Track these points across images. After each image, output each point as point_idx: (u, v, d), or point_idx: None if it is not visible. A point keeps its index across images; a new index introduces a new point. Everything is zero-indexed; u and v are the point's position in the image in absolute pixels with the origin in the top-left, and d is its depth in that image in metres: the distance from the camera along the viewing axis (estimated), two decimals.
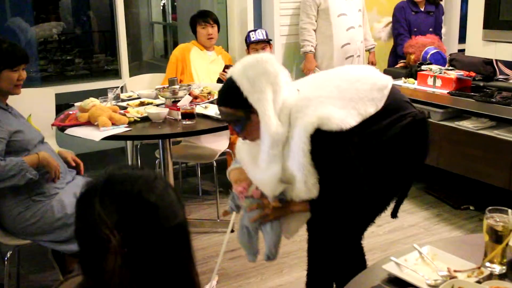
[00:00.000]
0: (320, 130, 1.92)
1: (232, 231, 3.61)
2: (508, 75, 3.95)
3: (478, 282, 1.50)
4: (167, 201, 0.98)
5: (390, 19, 4.98)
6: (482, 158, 3.55)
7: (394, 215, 2.30)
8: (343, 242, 2.31)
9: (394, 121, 2.07)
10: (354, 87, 2.05)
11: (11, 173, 2.51)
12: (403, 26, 4.77)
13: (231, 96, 1.99)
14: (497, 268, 1.58)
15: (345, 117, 1.96)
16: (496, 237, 1.58)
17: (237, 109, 2.00)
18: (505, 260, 1.59)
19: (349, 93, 2.03)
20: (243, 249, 2.21)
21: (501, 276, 1.56)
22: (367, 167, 2.02)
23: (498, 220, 1.59)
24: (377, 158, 2.06)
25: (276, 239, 2.13)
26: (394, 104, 2.10)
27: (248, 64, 1.97)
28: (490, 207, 1.62)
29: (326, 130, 1.92)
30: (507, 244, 1.58)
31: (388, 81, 2.13)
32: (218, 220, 3.80)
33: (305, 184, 1.99)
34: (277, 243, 2.14)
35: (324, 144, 1.94)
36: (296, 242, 3.46)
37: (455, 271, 1.56)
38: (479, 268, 1.57)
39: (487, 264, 1.59)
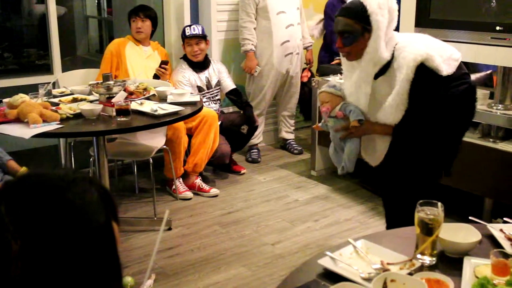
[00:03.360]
0: (423, 65, 2.31)
1: (170, 229, 3.60)
2: None
3: (410, 274, 1.53)
4: (84, 203, 0.89)
5: (322, 16, 5.05)
6: None
7: (448, 173, 2.61)
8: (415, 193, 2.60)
9: (456, 85, 2.44)
10: (441, 49, 2.43)
11: None
12: None
13: (356, 9, 2.34)
14: (428, 260, 1.63)
15: (443, 64, 2.35)
16: (427, 229, 1.62)
17: (356, 22, 2.34)
18: (435, 252, 1.64)
19: (440, 51, 2.40)
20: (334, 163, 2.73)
21: (431, 267, 1.61)
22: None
23: (428, 213, 1.63)
24: (441, 111, 2.42)
25: (353, 155, 2.58)
26: (459, 74, 2.46)
27: None
28: (421, 201, 1.66)
29: (428, 66, 2.31)
30: (437, 236, 1.63)
31: (460, 56, 2.49)
32: (155, 218, 3.75)
33: (396, 108, 2.38)
34: (353, 159, 2.58)
35: (424, 78, 2.32)
36: (233, 239, 3.47)
37: (388, 263, 1.59)
38: (410, 260, 1.61)
39: (418, 256, 1.64)
